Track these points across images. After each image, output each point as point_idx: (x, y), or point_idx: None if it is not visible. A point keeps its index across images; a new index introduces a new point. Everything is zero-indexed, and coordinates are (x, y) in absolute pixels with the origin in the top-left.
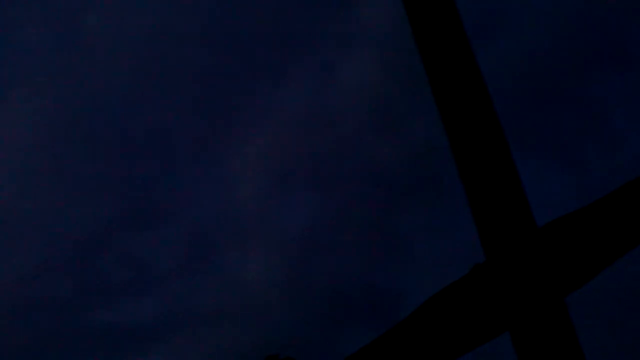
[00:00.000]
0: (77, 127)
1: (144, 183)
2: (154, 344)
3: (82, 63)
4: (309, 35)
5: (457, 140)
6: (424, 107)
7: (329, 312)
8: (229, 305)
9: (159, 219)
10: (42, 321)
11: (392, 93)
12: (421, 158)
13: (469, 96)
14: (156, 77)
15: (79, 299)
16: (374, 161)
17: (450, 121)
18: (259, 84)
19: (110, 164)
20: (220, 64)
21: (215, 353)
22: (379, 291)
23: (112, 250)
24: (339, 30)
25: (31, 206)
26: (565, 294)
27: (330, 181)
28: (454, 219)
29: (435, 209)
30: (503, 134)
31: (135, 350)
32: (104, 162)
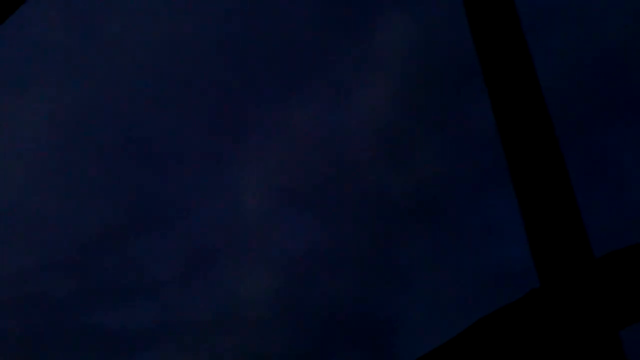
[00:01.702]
0: (87, 130)
1: (150, 189)
2: (146, 350)
3: (98, 68)
4: (326, 57)
5: (515, 161)
6: (432, 137)
7: (322, 334)
8: (224, 317)
9: (162, 226)
10: (38, 319)
11: (402, 121)
12: (425, 188)
13: (528, 112)
14: (169, 86)
15: (76, 300)
16: (378, 188)
17: (507, 137)
18: (272, 101)
19: (118, 168)
20: (236, 78)
21: None
22: (373, 318)
23: (112, 253)
24: (355, 53)
25: (35, 205)
26: (620, 328)
27: (333, 204)
28: (455, 251)
29: (437, 240)
30: (562, 157)
31: (127, 354)
32: (111, 165)
